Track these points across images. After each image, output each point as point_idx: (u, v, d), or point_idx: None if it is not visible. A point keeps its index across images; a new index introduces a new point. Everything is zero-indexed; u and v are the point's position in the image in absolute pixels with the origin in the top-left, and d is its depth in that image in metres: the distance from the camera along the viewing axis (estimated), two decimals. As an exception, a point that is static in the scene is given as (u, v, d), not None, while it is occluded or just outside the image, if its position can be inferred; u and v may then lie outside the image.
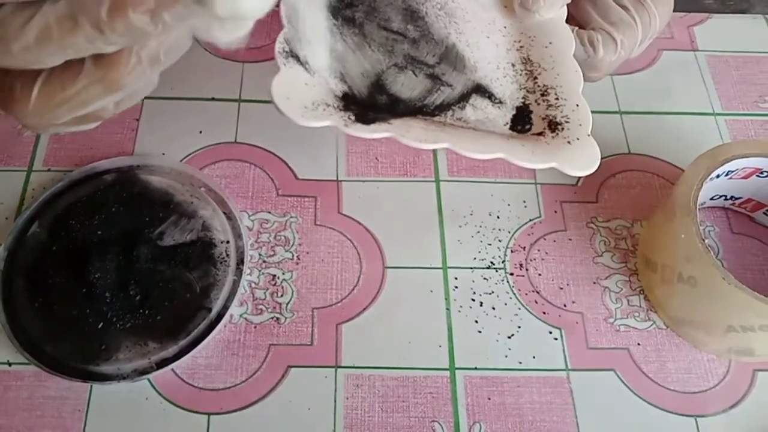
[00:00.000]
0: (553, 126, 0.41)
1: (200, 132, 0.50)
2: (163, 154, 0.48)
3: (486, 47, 0.45)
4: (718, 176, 0.43)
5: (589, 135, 0.40)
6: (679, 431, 0.41)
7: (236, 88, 0.52)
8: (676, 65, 0.55)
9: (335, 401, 0.41)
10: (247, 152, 0.49)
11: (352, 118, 0.38)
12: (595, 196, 0.48)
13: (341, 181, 0.48)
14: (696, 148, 0.45)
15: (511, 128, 0.42)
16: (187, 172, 0.47)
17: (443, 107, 0.42)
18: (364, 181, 0.48)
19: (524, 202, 0.48)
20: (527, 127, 0.42)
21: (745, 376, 0.43)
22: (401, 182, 0.48)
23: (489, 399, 0.41)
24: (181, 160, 0.48)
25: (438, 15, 0.46)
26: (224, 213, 0.45)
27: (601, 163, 0.49)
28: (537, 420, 0.41)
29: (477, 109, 0.42)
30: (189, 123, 0.50)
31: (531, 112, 0.43)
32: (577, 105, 0.42)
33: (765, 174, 0.44)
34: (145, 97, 0.50)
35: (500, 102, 0.43)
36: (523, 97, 0.43)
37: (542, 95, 0.43)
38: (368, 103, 0.41)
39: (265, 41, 0.53)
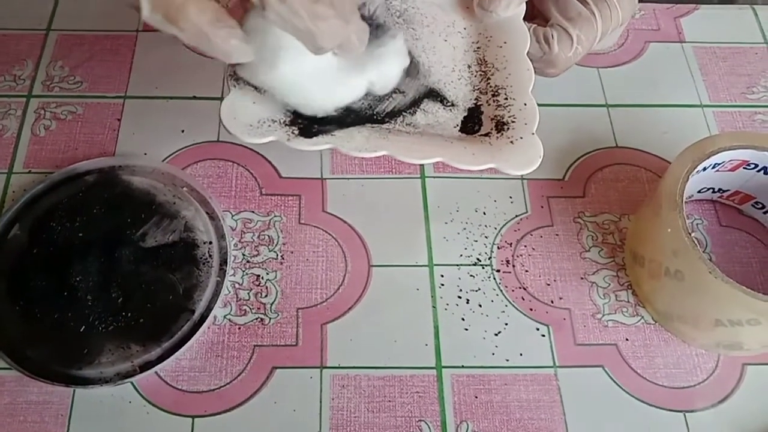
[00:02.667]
0: (500, 126, 0.42)
1: (182, 131, 0.49)
2: (145, 154, 0.48)
3: (442, 50, 0.46)
4: (705, 169, 0.42)
5: (533, 134, 0.41)
6: (668, 426, 0.40)
7: (218, 86, 0.51)
8: (663, 57, 0.55)
9: (321, 402, 0.40)
10: (229, 151, 0.48)
11: (296, 132, 0.40)
12: (582, 190, 0.48)
13: (325, 179, 0.48)
14: (683, 140, 0.45)
15: (461, 130, 0.42)
16: (170, 171, 0.46)
17: (393, 114, 0.43)
18: (348, 178, 0.48)
19: (510, 197, 0.47)
20: (476, 128, 0.42)
21: (734, 371, 0.42)
22: (386, 179, 0.48)
23: (476, 397, 0.41)
24: (163, 160, 0.48)
25: (396, 23, 0.46)
26: (207, 213, 0.45)
27: (588, 156, 0.49)
28: (525, 418, 0.40)
29: (428, 114, 0.43)
30: (171, 122, 0.49)
31: (482, 113, 0.43)
32: (525, 104, 0.42)
33: (752, 166, 0.43)
34: (126, 97, 0.51)
35: (452, 105, 0.43)
36: (475, 99, 0.43)
37: (493, 96, 0.43)
38: (319, 116, 0.41)
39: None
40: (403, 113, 0.43)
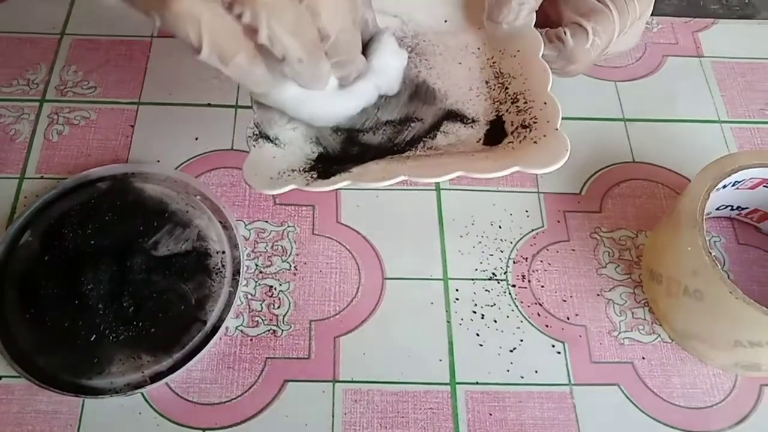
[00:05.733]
0: (523, 129, 0.41)
1: (196, 139, 0.49)
2: (158, 161, 0.48)
3: (457, 73, 0.45)
4: (724, 186, 0.42)
5: (557, 129, 0.39)
6: (684, 448, 0.40)
7: (233, 94, 0.51)
8: (681, 71, 0.54)
9: (333, 416, 0.40)
10: (243, 159, 0.47)
11: (315, 176, 0.39)
12: (599, 205, 0.47)
13: (340, 189, 0.47)
14: (701, 156, 0.44)
15: (486, 143, 0.41)
16: (183, 180, 0.46)
17: (413, 141, 0.42)
18: (363, 189, 0.47)
19: (527, 211, 0.47)
20: (500, 138, 0.41)
21: (751, 392, 0.42)
22: (401, 191, 0.47)
23: (490, 415, 0.40)
24: (176, 168, 0.47)
25: (408, 57, 0.45)
26: (220, 222, 0.44)
27: (605, 171, 0.49)
28: (539, 436, 0.40)
29: (448, 135, 0.42)
30: (184, 129, 0.49)
31: (504, 122, 0.42)
32: (545, 103, 0.41)
33: (772, 184, 0.43)
34: (140, 103, 0.50)
35: (473, 121, 0.43)
36: (495, 111, 0.43)
37: (513, 103, 0.42)
38: (341, 158, 0.41)
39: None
40: (423, 139, 0.42)
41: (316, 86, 0.38)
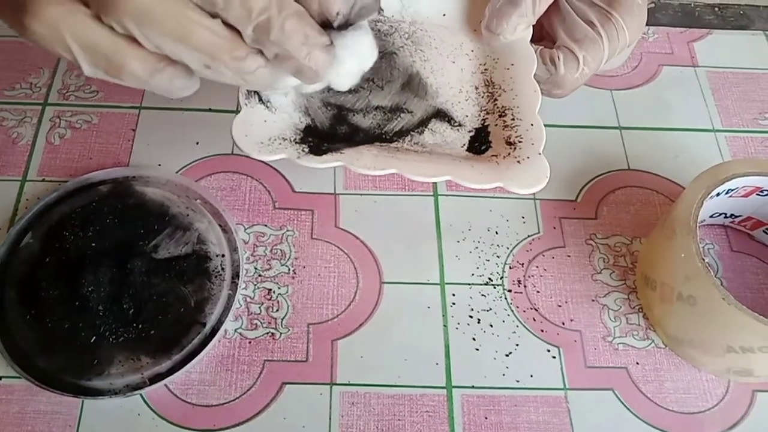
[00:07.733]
0: (507, 146, 0.42)
1: (197, 143, 0.49)
2: (159, 165, 0.48)
3: (450, 72, 0.46)
4: (718, 194, 0.42)
5: (540, 154, 0.41)
6: (677, 452, 0.40)
7: (234, 99, 0.51)
8: (676, 81, 0.55)
9: (330, 419, 0.40)
10: (243, 164, 0.48)
11: (306, 150, 0.40)
12: (595, 212, 0.48)
13: (338, 194, 0.48)
14: (696, 164, 0.45)
15: (469, 149, 0.43)
16: (183, 183, 0.46)
17: (401, 133, 0.43)
18: (361, 194, 0.48)
19: (523, 217, 0.47)
20: (483, 147, 0.43)
21: (744, 397, 0.42)
22: (399, 196, 0.48)
23: (486, 418, 0.41)
24: (177, 172, 0.48)
25: (405, 44, 0.46)
26: (220, 226, 0.45)
27: (600, 178, 0.49)
28: (534, 440, 0.40)
29: (435, 133, 0.43)
30: (185, 134, 0.50)
31: (489, 133, 0.43)
32: (532, 125, 0.42)
33: (765, 193, 0.43)
34: (142, 107, 0.51)
35: (459, 125, 0.44)
36: (482, 119, 0.44)
37: (500, 116, 0.43)
38: (329, 134, 0.42)
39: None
40: (411, 132, 0.43)
41: (257, 86, 0.35)
